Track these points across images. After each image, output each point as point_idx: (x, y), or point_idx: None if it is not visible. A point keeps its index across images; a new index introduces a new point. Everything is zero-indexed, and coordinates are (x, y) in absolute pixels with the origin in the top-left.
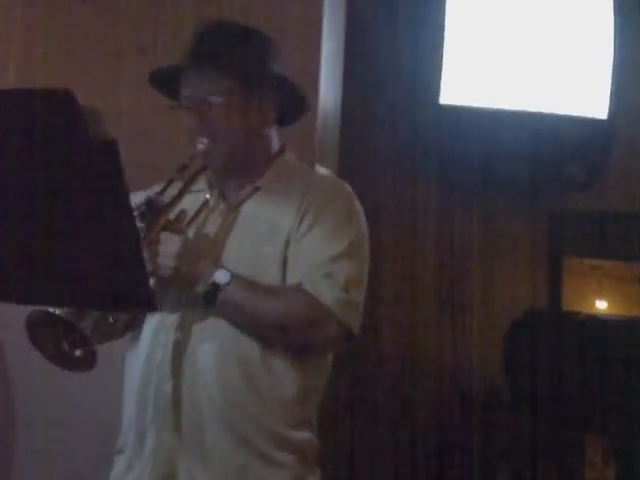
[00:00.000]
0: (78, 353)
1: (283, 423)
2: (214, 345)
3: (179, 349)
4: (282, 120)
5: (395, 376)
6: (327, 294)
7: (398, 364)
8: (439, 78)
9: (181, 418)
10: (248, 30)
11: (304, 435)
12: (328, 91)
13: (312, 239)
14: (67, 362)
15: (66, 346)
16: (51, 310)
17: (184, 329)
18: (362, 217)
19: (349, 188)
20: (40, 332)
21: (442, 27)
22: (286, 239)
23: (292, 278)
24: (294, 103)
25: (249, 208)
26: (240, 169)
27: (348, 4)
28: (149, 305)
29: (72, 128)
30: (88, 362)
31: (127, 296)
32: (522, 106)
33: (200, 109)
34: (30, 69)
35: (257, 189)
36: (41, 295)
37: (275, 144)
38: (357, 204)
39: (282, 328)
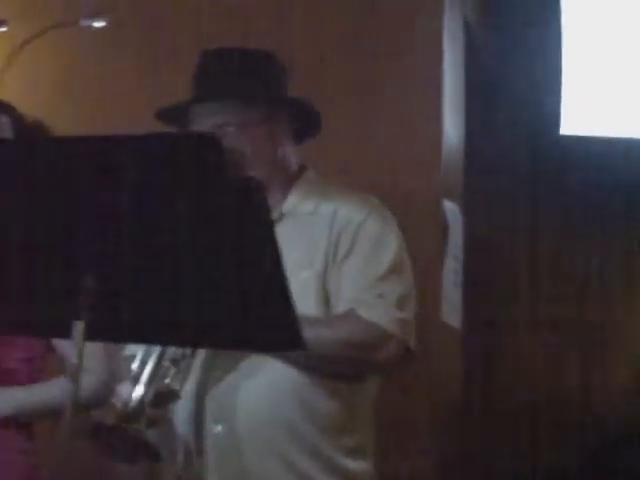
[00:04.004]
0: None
1: (335, 449)
2: (265, 369)
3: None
4: (298, 137)
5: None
6: (383, 315)
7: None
8: (559, 108)
9: (224, 441)
10: (252, 55)
11: (359, 465)
12: (451, 127)
13: (353, 263)
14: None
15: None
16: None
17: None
18: (397, 232)
19: (377, 203)
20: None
21: (560, 56)
22: (323, 265)
23: (339, 305)
24: (308, 120)
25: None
26: None
27: (466, 40)
28: (297, 344)
29: (217, 171)
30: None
31: (273, 335)
32: None
33: None
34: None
35: (282, 216)
36: (187, 337)
37: (293, 163)
38: (389, 219)
39: (346, 360)
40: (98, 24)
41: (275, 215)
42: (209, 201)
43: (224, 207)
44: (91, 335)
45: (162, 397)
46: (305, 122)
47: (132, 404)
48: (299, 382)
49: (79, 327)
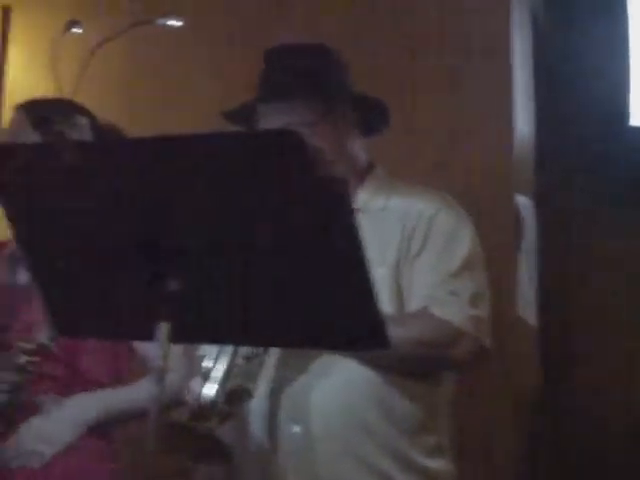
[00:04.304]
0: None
1: (413, 448)
2: (339, 368)
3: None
4: (367, 131)
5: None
6: (456, 313)
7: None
8: (627, 99)
9: (301, 441)
10: (311, 52)
11: (439, 464)
12: (522, 121)
13: (425, 260)
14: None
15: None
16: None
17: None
18: (470, 228)
19: (449, 198)
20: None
21: (627, 47)
22: (395, 261)
23: (412, 301)
24: (375, 114)
25: None
26: None
27: (533, 34)
28: (382, 343)
29: (301, 167)
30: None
31: (358, 334)
32: None
33: None
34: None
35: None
36: (270, 337)
37: (362, 159)
38: (462, 214)
39: (419, 358)
40: (175, 23)
41: None
42: (293, 198)
43: (308, 204)
44: (174, 337)
45: (235, 395)
46: (372, 116)
47: (204, 402)
48: (374, 382)
49: (163, 329)
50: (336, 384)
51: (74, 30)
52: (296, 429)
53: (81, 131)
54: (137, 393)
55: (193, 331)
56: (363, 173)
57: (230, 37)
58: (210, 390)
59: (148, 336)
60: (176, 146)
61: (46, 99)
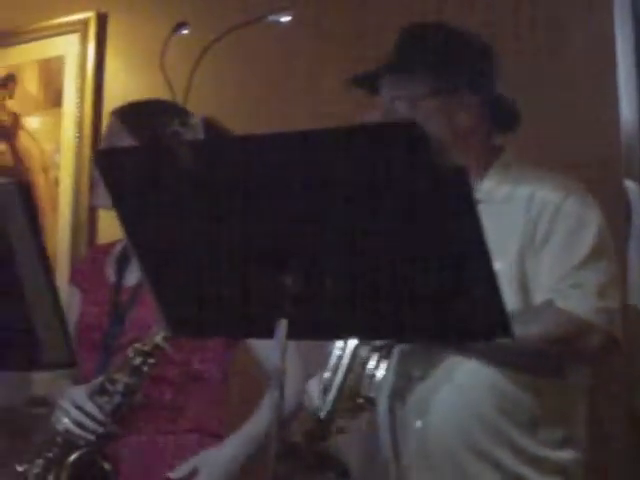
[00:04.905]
0: None
1: (534, 441)
2: (461, 369)
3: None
4: (504, 125)
5: None
6: (582, 306)
7: None
8: None
9: (428, 446)
10: (453, 35)
11: (567, 454)
12: (627, 108)
13: (550, 251)
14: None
15: None
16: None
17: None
18: (598, 215)
19: (576, 184)
20: None
21: None
22: (519, 250)
23: (537, 292)
24: (508, 110)
25: None
26: None
27: (635, 27)
28: (506, 331)
29: (421, 158)
30: None
31: (481, 324)
32: None
33: (387, 114)
34: None
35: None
36: (391, 330)
37: (486, 145)
38: (590, 200)
39: (547, 355)
40: (285, 19)
41: None
42: (415, 190)
43: (431, 195)
44: (292, 334)
45: (356, 406)
46: (503, 112)
47: (320, 420)
48: (495, 377)
49: (282, 326)
50: (458, 384)
51: (183, 32)
52: (418, 424)
53: (195, 130)
54: (262, 420)
55: (312, 327)
56: (489, 159)
57: (334, 30)
58: (326, 407)
59: (265, 334)
60: (296, 141)
61: (157, 100)
